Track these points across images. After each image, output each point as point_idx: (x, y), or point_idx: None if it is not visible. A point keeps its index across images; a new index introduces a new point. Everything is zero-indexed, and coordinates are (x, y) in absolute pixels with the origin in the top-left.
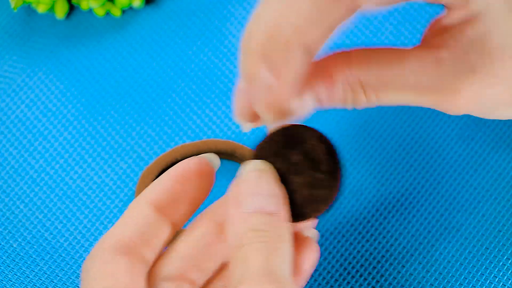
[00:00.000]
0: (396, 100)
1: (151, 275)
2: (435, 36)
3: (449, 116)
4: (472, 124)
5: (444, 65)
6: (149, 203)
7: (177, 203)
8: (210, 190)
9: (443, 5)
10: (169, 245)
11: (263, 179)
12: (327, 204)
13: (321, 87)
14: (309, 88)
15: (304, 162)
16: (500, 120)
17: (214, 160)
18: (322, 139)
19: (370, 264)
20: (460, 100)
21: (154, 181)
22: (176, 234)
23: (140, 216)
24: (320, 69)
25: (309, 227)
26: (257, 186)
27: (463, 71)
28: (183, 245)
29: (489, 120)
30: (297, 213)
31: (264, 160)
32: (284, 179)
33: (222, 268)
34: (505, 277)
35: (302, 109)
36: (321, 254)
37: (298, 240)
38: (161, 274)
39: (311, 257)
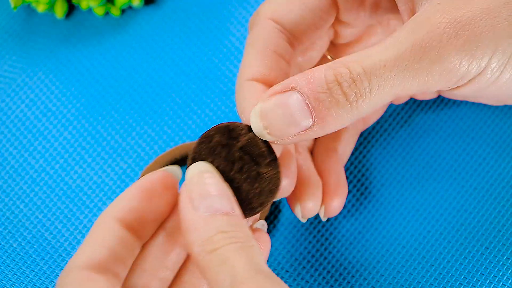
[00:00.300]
0: (393, 86)
1: None
2: None
3: (449, 115)
4: (472, 124)
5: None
6: (118, 221)
7: (144, 220)
8: (175, 202)
9: None
10: None
11: (210, 179)
12: (273, 195)
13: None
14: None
15: (243, 157)
16: (500, 120)
17: (176, 172)
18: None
19: (370, 263)
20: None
21: (119, 196)
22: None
23: (111, 234)
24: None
25: (256, 219)
26: (206, 188)
27: None
28: (143, 256)
29: (489, 119)
30: (245, 209)
31: (205, 161)
32: (226, 177)
33: (179, 273)
34: (505, 277)
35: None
36: (321, 254)
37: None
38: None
39: (265, 249)
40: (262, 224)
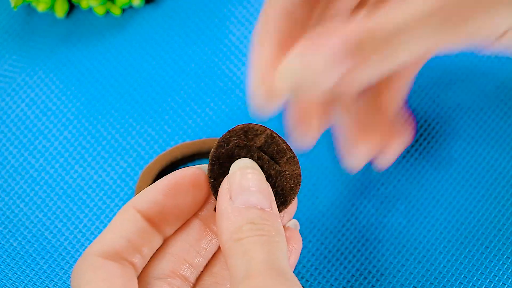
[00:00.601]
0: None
1: (144, 274)
2: None
3: (450, 114)
4: (472, 123)
5: None
6: (139, 212)
7: (166, 216)
8: (203, 202)
9: None
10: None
11: (252, 175)
12: (294, 192)
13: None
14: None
15: (262, 157)
16: (501, 119)
17: None
18: (267, 130)
19: (370, 262)
20: None
21: (146, 189)
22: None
23: (130, 225)
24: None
25: (289, 218)
26: (247, 183)
27: None
28: (173, 242)
29: (490, 118)
30: (278, 204)
31: (249, 159)
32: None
33: (210, 263)
34: (505, 276)
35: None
36: (321, 253)
37: None
38: (154, 272)
39: (296, 248)
40: (295, 224)
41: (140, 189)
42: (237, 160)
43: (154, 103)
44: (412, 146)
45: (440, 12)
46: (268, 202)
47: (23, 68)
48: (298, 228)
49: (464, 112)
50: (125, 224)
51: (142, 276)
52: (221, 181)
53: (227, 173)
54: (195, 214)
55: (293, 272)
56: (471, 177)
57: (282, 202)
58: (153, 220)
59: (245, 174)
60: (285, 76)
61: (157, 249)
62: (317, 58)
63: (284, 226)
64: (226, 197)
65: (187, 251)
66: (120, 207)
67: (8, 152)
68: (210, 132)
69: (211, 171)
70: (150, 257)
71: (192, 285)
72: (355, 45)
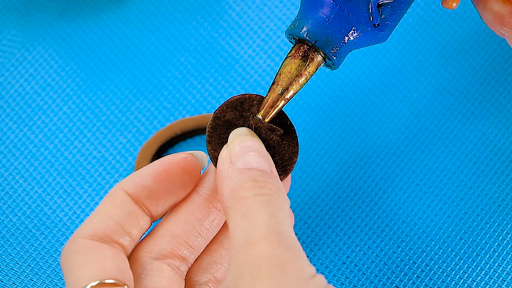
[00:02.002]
0: None
1: (143, 254)
2: None
3: (449, 90)
4: (472, 99)
5: None
6: (127, 195)
7: (155, 200)
8: (193, 187)
9: None
10: (160, 222)
11: (251, 142)
12: (293, 160)
13: None
14: None
15: (259, 127)
16: (501, 94)
17: (203, 158)
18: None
19: (369, 238)
20: None
21: (135, 172)
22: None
23: (119, 207)
24: None
25: None
26: (246, 149)
27: None
28: (174, 222)
29: (489, 94)
30: (279, 173)
31: (247, 128)
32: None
33: (210, 243)
34: (505, 252)
35: None
36: (321, 229)
37: None
38: (153, 252)
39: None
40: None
41: (139, 165)
42: (235, 129)
43: (154, 79)
44: (411, 122)
45: None
46: (268, 165)
47: (22, 44)
48: (289, 204)
49: (463, 88)
50: (114, 206)
51: (140, 257)
52: (220, 150)
53: (226, 142)
54: (194, 189)
55: None
56: (471, 152)
57: (282, 171)
58: (142, 203)
59: (244, 140)
60: None
61: (159, 227)
62: None
63: None
64: (227, 161)
65: (189, 233)
66: None
67: (7, 127)
68: (210, 107)
69: (209, 142)
70: (139, 238)
71: (190, 264)
72: None
